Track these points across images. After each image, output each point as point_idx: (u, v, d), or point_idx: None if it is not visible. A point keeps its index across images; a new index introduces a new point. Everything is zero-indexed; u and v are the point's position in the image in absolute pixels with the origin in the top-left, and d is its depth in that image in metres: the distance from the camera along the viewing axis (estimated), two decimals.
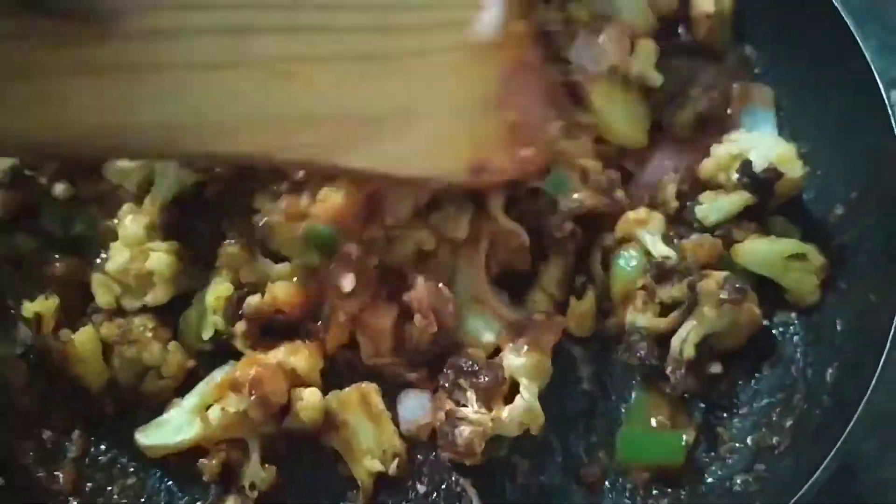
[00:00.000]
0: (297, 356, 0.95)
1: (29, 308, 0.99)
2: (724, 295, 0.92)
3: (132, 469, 1.00)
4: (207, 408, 0.94)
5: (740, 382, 1.02)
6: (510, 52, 0.79)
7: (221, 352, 1.00)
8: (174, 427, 0.95)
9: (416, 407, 0.97)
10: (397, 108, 0.70)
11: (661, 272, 0.96)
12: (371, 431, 0.94)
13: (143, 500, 0.98)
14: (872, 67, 0.97)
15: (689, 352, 0.93)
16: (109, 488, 0.99)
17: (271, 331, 0.97)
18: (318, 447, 0.97)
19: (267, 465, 0.95)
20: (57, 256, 1.04)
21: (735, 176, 1.00)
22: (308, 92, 0.63)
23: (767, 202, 1.01)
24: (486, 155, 0.79)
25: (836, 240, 1.03)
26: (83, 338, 0.98)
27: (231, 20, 0.60)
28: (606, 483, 0.98)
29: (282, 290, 0.94)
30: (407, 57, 0.70)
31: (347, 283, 0.91)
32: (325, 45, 0.63)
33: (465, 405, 0.93)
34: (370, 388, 0.96)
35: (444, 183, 0.84)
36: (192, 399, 0.97)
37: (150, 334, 0.98)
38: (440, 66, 0.73)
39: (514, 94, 0.79)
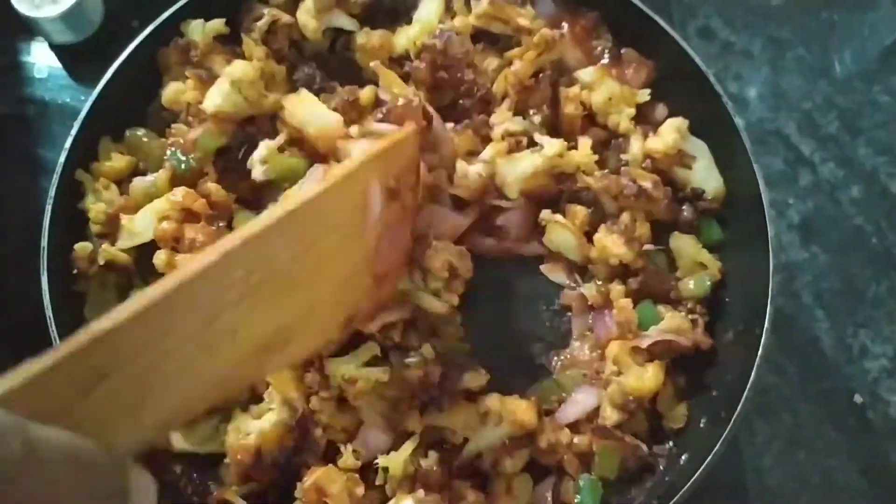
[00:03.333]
0: None
1: None
2: None
3: None
4: None
5: None
6: (388, 215, 0.87)
7: None
8: None
9: None
10: (304, 308, 0.77)
11: None
12: None
13: None
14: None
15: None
16: None
17: None
18: None
19: None
20: None
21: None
22: (248, 338, 0.70)
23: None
24: (354, 308, 0.87)
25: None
26: None
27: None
28: None
29: None
30: (315, 267, 0.77)
31: None
32: (261, 298, 0.69)
33: None
34: None
35: (320, 348, 0.92)
36: None
37: None
38: (337, 258, 0.81)
39: (383, 245, 0.87)
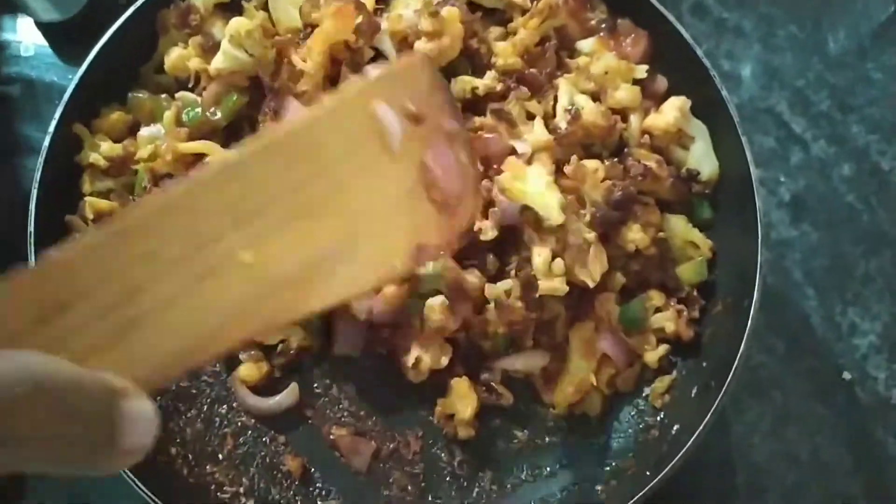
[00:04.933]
0: None
1: None
2: None
3: None
4: None
5: None
6: (423, 139, 0.82)
7: None
8: None
9: None
10: (340, 238, 0.73)
11: None
12: None
13: None
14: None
15: None
16: None
17: None
18: None
19: None
20: None
21: None
22: (266, 268, 0.66)
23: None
24: (423, 238, 0.81)
25: None
26: None
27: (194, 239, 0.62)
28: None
29: None
30: (332, 195, 0.73)
31: None
32: (265, 225, 0.66)
33: None
34: None
35: (393, 279, 0.90)
36: None
37: None
38: (363, 186, 0.76)
39: (434, 172, 0.82)
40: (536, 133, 1.07)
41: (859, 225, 1.31)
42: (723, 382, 0.96)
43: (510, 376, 1.09)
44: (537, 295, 1.01)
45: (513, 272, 1.04)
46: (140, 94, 1.13)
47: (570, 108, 1.07)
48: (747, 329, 0.97)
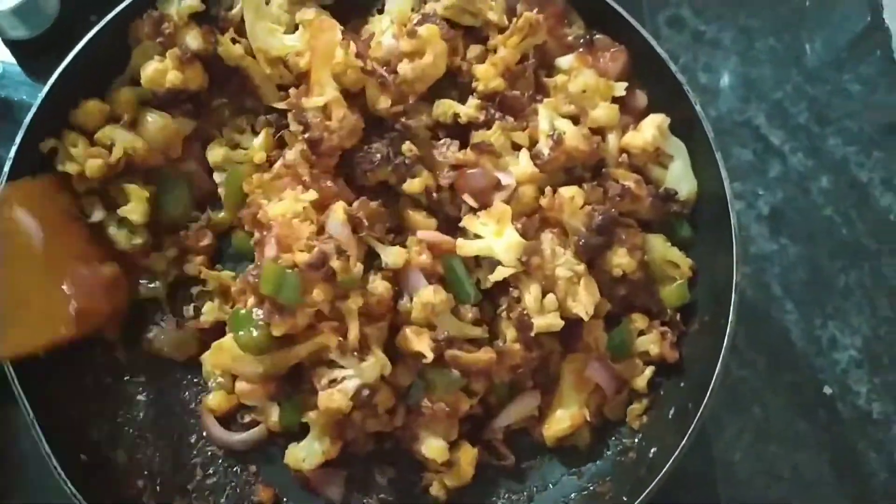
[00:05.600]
0: None
1: None
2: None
3: None
4: None
5: None
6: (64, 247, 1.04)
7: None
8: None
9: None
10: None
11: None
12: None
13: None
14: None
15: None
16: None
17: None
18: None
19: None
20: None
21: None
22: None
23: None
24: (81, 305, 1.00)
25: None
26: None
27: None
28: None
29: None
30: None
31: None
32: None
33: None
34: None
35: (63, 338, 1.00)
36: None
37: None
38: (18, 268, 0.99)
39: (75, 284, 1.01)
40: (522, 165, 1.05)
41: (838, 238, 1.30)
42: (700, 403, 0.95)
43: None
44: (533, 334, 0.99)
45: (504, 314, 1.02)
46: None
47: (551, 133, 1.05)
48: (723, 350, 0.96)
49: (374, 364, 0.95)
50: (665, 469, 0.94)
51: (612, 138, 1.10)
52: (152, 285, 1.11)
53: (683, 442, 0.94)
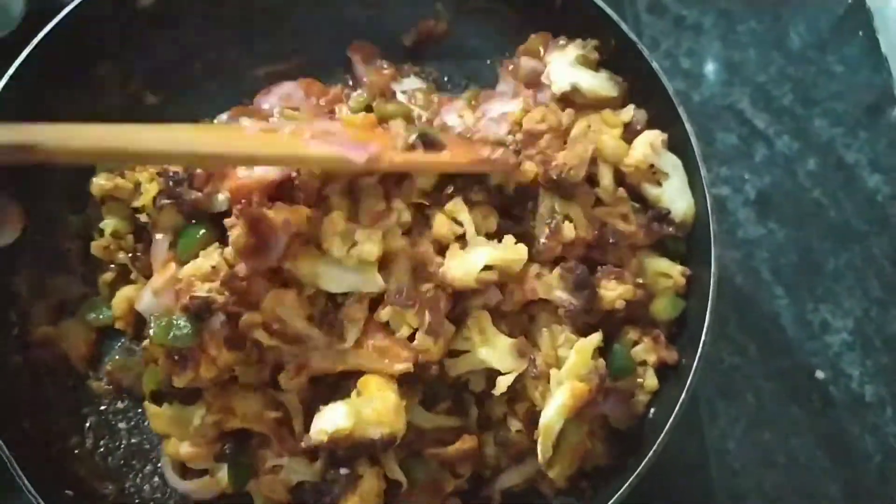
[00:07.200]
0: None
1: None
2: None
3: None
4: None
5: None
6: None
7: None
8: None
9: None
10: None
11: None
12: None
13: None
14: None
15: None
16: None
17: None
18: None
19: None
20: None
21: None
22: None
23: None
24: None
25: None
26: None
27: None
28: None
29: None
30: None
31: None
32: None
33: None
34: None
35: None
36: None
37: None
38: None
39: None
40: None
41: (826, 220, 1.29)
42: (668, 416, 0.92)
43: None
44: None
45: (506, 407, 0.98)
46: None
47: (549, 221, 0.97)
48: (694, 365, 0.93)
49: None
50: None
51: (605, 175, 1.02)
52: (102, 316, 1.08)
53: (663, 434, 0.90)
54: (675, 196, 1.02)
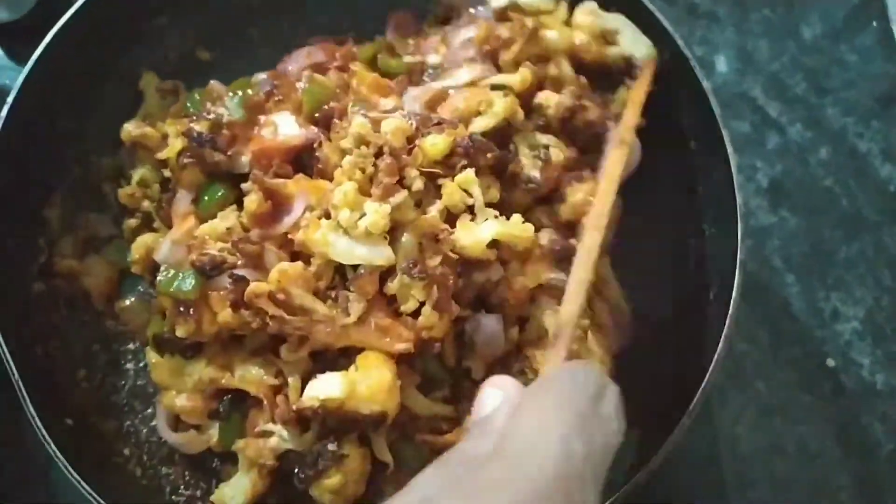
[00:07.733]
0: None
1: None
2: None
3: None
4: None
5: None
6: None
7: None
8: None
9: None
10: None
11: None
12: None
13: None
14: None
15: None
16: None
17: None
18: None
19: None
20: None
21: None
22: None
23: None
24: None
25: None
26: None
27: None
28: None
29: None
30: None
31: None
32: None
33: None
34: None
35: None
36: None
37: None
38: None
39: None
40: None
41: (838, 209, 1.28)
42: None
43: None
44: None
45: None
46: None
47: (537, 153, 1.01)
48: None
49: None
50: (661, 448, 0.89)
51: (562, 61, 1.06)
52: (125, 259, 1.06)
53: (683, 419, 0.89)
54: (632, 46, 1.08)
